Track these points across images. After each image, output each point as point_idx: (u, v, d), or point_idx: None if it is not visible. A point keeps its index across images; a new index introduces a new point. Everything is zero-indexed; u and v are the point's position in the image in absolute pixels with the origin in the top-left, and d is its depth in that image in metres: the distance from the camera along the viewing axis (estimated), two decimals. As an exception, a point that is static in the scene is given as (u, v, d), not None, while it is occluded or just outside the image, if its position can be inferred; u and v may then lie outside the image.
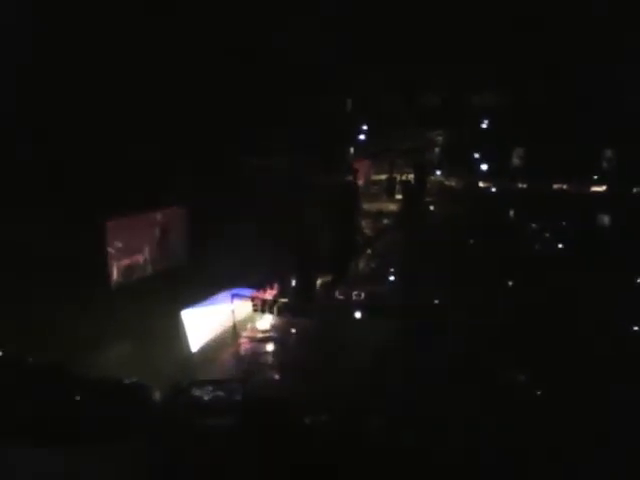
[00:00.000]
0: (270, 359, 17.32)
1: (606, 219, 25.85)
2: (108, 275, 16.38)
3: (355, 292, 20.37)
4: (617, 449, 10.25)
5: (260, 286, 18.97)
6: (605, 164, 27.23)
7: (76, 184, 15.08)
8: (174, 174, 17.12)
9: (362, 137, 28.03)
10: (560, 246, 24.87)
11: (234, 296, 18.14)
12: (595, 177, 27.58)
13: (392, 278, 22.59)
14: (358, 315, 18.73)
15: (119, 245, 16.72)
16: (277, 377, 16.48)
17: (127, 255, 17.26)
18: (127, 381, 12.74)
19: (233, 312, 18.12)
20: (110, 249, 16.46)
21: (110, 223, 16.18)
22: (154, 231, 18.34)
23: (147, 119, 16.39)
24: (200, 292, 17.09)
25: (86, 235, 14.94)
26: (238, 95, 19.05)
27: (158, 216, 18.31)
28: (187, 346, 16.24)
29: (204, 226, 18.27)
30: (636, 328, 17.79)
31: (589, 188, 27.77)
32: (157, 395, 12.85)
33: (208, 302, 17.39)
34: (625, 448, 10.05)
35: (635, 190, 26.86)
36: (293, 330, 18.70)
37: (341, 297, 20.82)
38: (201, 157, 18.19)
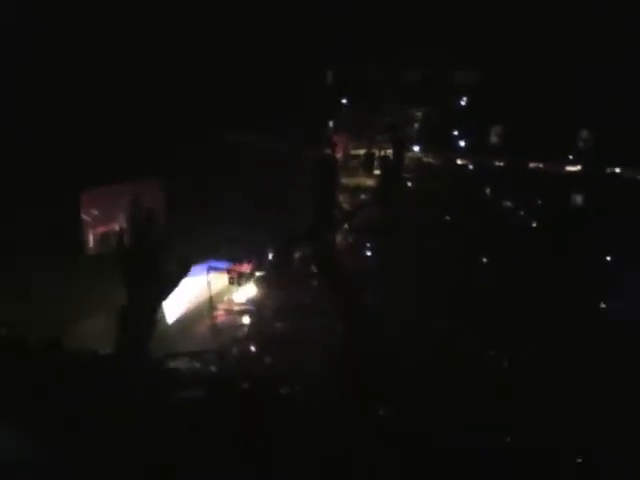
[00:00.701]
0: (247, 331, 17.36)
1: (580, 198, 26.15)
2: (84, 243, 16.14)
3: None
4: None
5: (237, 259, 18.90)
6: (581, 144, 27.52)
7: (55, 155, 14.77)
8: (153, 146, 16.88)
9: (342, 111, 27.88)
10: (534, 225, 25.12)
11: (210, 269, 18.04)
12: (571, 157, 27.85)
13: (369, 253, 22.70)
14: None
15: (95, 213, 16.47)
16: (253, 349, 16.54)
17: (103, 223, 17.01)
18: (102, 353, 12.63)
19: (209, 284, 18.05)
20: (85, 217, 16.21)
21: (86, 192, 15.94)
22: (130, 200, 18.03)
23: (130, 95, 16.09)
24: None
25: (63, 204, 14.72)
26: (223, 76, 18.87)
27: (134, 186, 17.99)
28: (163, 318, 16.16)
29: (181, 199, 18.10)
30: (603, 305, 18.15)
31: (565, 167, 28.07)
32: (132, 367, 12.76)
33: (184, 274, 17.26)
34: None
35: (609, 170, 27.22)
36: (269, 303, 18.73)
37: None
38: (182, 132, 17.98)
